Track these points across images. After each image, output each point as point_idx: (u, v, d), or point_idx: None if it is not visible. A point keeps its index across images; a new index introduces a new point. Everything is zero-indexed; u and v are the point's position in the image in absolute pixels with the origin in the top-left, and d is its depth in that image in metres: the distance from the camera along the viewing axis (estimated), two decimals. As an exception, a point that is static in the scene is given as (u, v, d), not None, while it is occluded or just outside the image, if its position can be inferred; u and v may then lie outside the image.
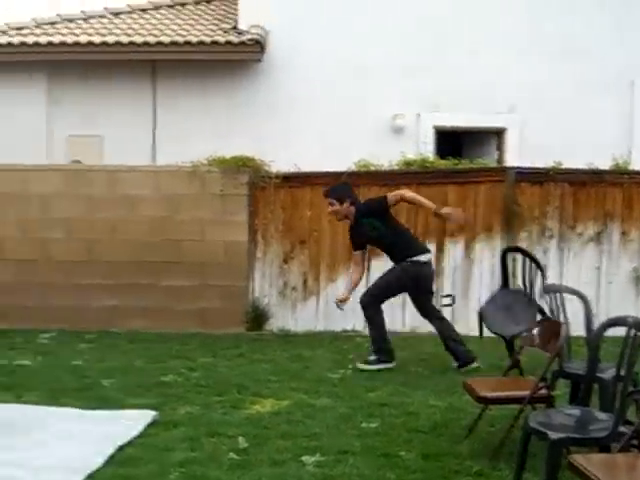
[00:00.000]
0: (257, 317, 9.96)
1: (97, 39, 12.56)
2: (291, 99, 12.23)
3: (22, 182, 9.99)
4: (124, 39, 12.53)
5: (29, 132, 12.41)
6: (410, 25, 12.19)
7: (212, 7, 14.66)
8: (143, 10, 14.40)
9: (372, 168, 10.13)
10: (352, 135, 11.88)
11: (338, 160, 10.06)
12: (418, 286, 7.92)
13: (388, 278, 7.96)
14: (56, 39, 12.67)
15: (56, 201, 10.00)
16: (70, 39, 12.63)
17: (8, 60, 12.79)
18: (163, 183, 9.90)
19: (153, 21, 13.70)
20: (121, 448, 5.28)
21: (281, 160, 9.95)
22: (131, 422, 5.78)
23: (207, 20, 13.73)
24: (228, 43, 12.24)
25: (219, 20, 13.66)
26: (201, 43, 12.31)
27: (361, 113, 12.15)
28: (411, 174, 10.04)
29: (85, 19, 13.78)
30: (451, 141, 12.52)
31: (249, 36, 12.23)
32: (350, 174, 9.95)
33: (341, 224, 8.72)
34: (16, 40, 12.73)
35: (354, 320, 9.48)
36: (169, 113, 12.50)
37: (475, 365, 7.75)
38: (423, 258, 7.88)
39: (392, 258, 8.02)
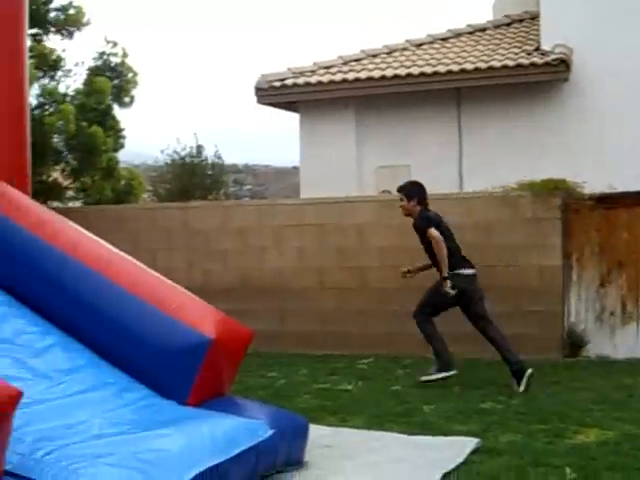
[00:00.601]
0: (573, 343, 9.69)
1: (402, 71, 12.91)
2: (601, 117, 11.86)
3: (338, 214, 10.44)
4: (428, 69, 12.77)
5: (340, 165, 12.98)
6: None
7: (512, 30, 14.58)
8: (444, 39, 14.61)
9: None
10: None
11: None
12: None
13: None
14: (363, 75, 13.17)
15: (369, 231, 10.34)
16: (376, 74, 13.07)
17: (318, 98, 13.46)
18: (474, 209, 9.93)
19: (455, 49, 13.85)
20: (447, 475, 5.31)
21: (594, 181, 9.65)
22: (456, 449, 5.79)
23: (508, 43, 13.67)
24: (532, 65, 12.11)
25: (521, 42, 13.55)
26: (505, 67, 12.28)
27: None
28: None
29: (388, 53, 14.21)
30: None
31: (554, 56, 12.03)
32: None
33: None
34: (325, 78, 13.37)
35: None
36: (475, 139, 12.56)
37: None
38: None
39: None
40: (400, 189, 8.55)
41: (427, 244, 8.22)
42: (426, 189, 8.49)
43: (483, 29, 14.80)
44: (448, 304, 8.27)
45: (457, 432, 6.31)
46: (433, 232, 8.07)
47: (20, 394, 3.76)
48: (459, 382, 8.27)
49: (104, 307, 5.34)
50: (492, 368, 8.97)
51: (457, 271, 8.12)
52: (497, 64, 12.41)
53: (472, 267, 8.30)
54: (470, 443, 5.93)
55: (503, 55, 12.86)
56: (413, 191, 8.43)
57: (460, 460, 5.56)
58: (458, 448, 5.80)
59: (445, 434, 6.26)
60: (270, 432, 5.00)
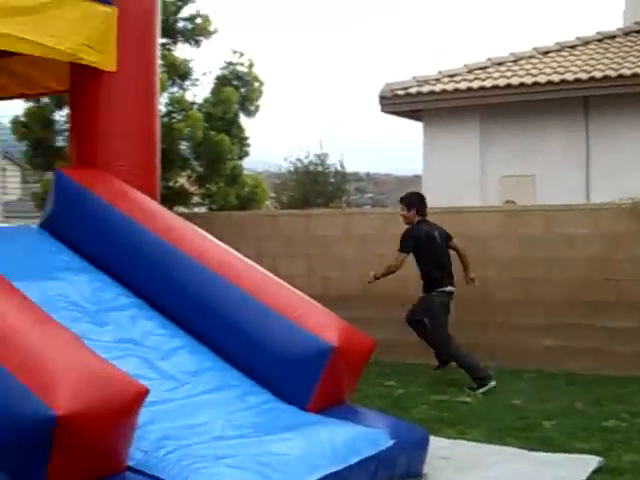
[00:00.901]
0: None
1: (528, 80, 12.75)
2: None
3: (460, 223, 10.31)
4: (555, 78, 12.57)
5: (463, 174, 12.90)
6: None
7: (643, 37, 14.22)
8: (572, 47, 14.36)
9: None
10: None
11: None
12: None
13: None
14: (488, 83, 13.06)
15: (493, 242, 10.20)
16: (502, 82, 12.95)
17: (442, 106, 13.41)
18: (601, 221, 9.67)
19: (583, 57, 13.60)
20: (568, 492, 5.22)
21: None
22: (578, 466, 5.67)
23: (639, 51, 13.33)
24: (663, 73, 11.79)
25: (652, 50, 13.20)
26: (635, 75, 11.99)
27: None
28: None
29: (515, 61, 14.06)
30: None
31: (687, 64, 11.68)
32: None
33: None
34: (449, 87, 13.32)
35: None
36: (602, 148, 12.30)
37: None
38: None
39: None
40: (402, 199, 9.04)
41: (417, 255, 8.79)
42: (426, 200, 8.98)
43: (612, 36, 14.47)
44: (443, 314, 8.81)
45: (579, 450, 6.18)
46: (397, 260, 8.74)
47: (147, 391, 3.87)
48: (581, 398, 8.09)
49: (228, 313, 5.44)
50: (616, 385, 8.76)
51: (441, 289, 8.73)
52: (627, 72, 12.12)
53: (452, 285, 8.83)
54: (592, 461, 5.79)
55: (633, 63, 12.54)
56: (413, 201, 8.93)
57: (582, 478, 5.46)
58: (580, 466, 5.68)
59: (566, 451, 6.13)
60: (391, 442, 5.00)
